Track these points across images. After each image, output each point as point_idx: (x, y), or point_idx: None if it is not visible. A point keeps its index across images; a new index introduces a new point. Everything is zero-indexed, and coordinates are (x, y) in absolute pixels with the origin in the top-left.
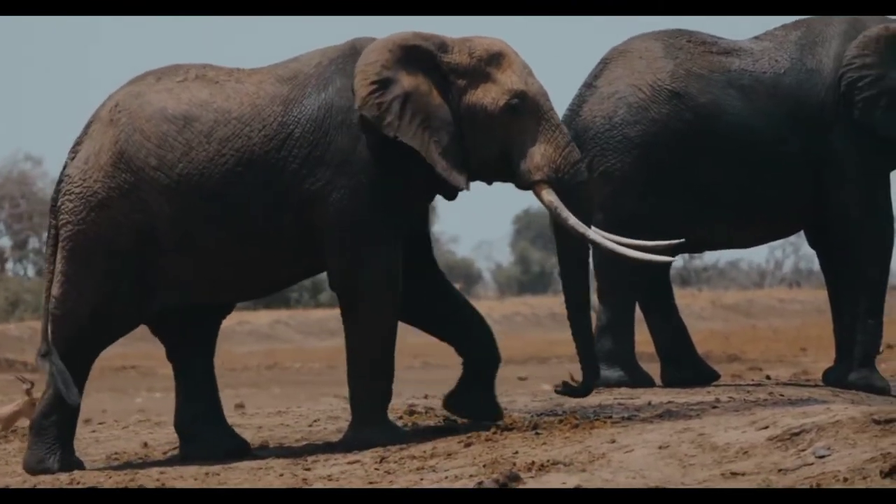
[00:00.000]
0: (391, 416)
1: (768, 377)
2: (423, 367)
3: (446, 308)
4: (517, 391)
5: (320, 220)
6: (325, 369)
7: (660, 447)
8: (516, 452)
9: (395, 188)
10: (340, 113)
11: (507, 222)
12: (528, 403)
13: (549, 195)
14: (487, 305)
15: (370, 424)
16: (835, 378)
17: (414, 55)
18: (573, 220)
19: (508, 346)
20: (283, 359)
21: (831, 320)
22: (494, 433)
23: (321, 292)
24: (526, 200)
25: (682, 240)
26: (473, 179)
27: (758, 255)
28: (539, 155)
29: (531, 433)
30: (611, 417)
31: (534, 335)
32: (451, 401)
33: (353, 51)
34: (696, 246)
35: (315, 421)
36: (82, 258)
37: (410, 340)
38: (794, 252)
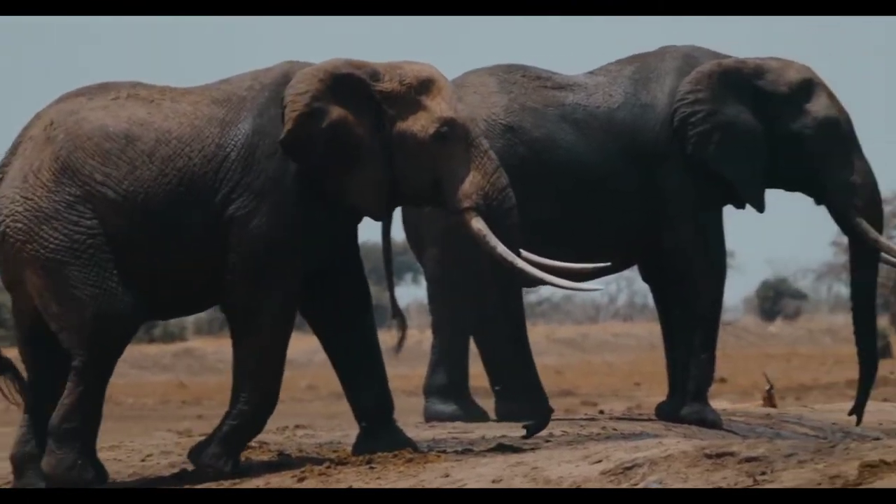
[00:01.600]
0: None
1: (602, 411)
2: None
3: (356, 349)
4: (353, 425)
5: (235, 244)
6: (158, 404)
7: (493, 481)
8: (350, 487)
9: (316, 219)
10: (273, 143)
11: None
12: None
13: (478, 223)
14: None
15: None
16: (667, 412)
17: (345, 84)
18: (501, 249)
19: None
20: (116, 393)
21: (664, 355)
22: (328, 468)
23: (155, 327)
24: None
25: (609, 263)
26: (408, 205)
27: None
28: (468, 182)
29: (365, 467)
30: (444, 451)
31: None
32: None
33: (285, 79)
34: (533, 280)
35: (148, 456)
36: (58, 269)
37: None
38: (628, 286)
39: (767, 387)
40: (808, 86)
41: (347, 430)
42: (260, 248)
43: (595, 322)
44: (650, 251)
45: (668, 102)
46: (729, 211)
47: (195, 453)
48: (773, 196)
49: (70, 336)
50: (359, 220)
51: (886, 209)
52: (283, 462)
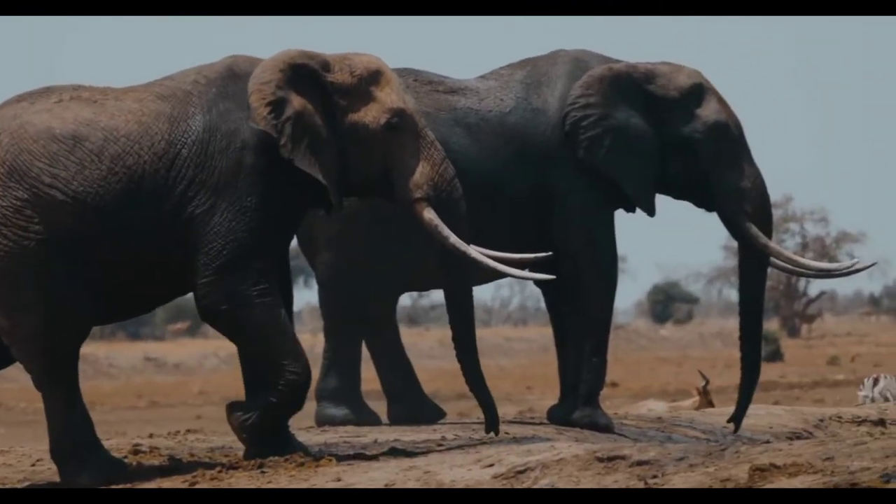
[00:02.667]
0: (116, 454)
1: None
2: (149, 407)
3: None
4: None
5: (200, 243)
6: None
7: (385, 485)
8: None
9: (275, 211)
10: (224, 137)
11: None
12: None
13: (429, 213)
14: (216, 344)
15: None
16: (559, 416)
17: (302, 74)
18: (453, 239)
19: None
20: (7, 398)
21: (557, 358)
22: (220, 472)
23: None
24: None
25: (550, 253)
26: (357, 195)
27: (484, 293)
28: (418, 173)
29: (257, 472)
30: (336, 455)
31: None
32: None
33: (230, 72)
34: (424, 284)
35: (38, 461)
36: (6, 278)
37: (136, 380)
38: (521, 290)
39: (703, 383)
40: (699, 91)
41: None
42: (227, 244)
43: (487, 326)
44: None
45: (560, 107)
46: (620, 215)
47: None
48: (663, 200)
49: (20, 349)
50: (306, 212)
51: (776, 213)
52: (174, 467)
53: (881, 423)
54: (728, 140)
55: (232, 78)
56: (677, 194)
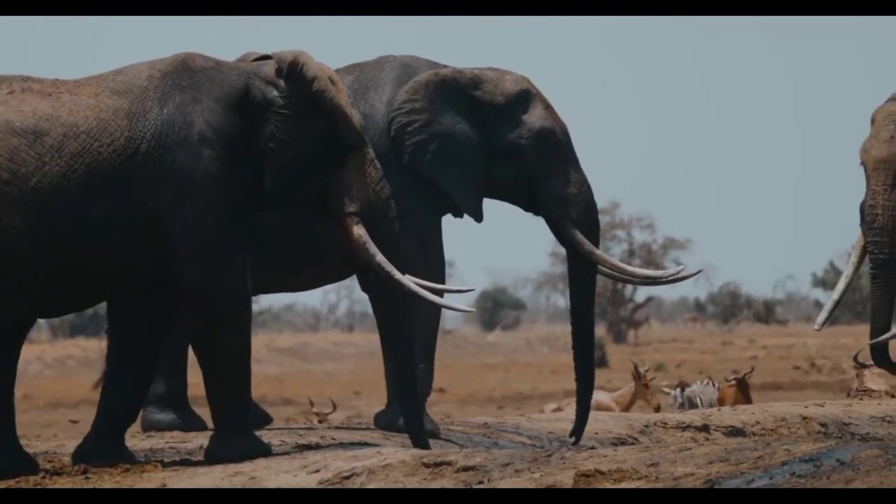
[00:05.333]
0: None
1: (321, 421)
2: None
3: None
4: (69, 434)
5: (172, 239)
6: None
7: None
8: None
9: (237, 201)
10: (182, 130)
11: None
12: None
13: (359, 230)
14: (39, 348)
15: (236, 435)
16: (386, 421)
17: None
18: (380, 258)
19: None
20: None
21: (384, 364)
22: (44, 478)
23: None
24: None
25: (473, 288)
26: (297, 204)
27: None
28: (354, 188)
29: (81, 477)
30: (162, 461)
31: (86, 378)
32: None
33: (185, 66)
34: (253, 290)
35: None
36: None
37: None
38: (348, 295)
39: (645, 369)
40: (525, 96)
41: (63, 440)
42: (196, 237)
43: (315, 331)
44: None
45: (387, 112)
46: (448, 220)
47: None
48: (492, 205)
49: None
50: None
51: (603, 220)
52: None
53: (705, 429)
54: (554, 146)
55: (187, 71)
56: (504, 199)
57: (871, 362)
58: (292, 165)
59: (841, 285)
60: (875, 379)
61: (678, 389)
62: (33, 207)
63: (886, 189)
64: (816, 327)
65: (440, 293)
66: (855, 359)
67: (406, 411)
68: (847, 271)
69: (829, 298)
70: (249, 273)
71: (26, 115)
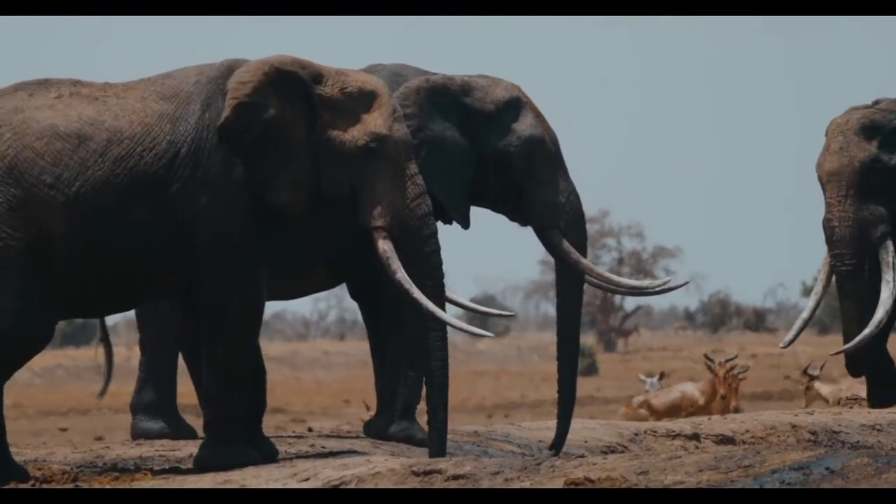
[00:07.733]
0: None
1: (310, 429)
2: None
3: None
4: (57, 442)
5: (196, 242)
6: None
7: None
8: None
9: (266, 212)
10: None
11: None
12: (67, 455)
13: (384, 244)
14: None
15: (226, 443)
16: (375, 430)
17: (287, 81)
18: (400, 275)
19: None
20: None
21: (374, 372)
22: (34, 485)
23: None
24: None
25: (514, 314)
26: (328, 209)
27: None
28: (386, 202)
29: (70, 486)
30: (152, 469)
31: (76, 388)
32: None
33: (230, 72)
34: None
35: None
36: None
37: None
38: (338, 304)
39: (815, 372)
40: (515, 104)
41: (52, 449)
42: (218, 243)
43: (305, 339)
44: (353, 267)
45: None
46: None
47: None
48: (480, 213)
49: None
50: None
51: (593, 228)
52: None
53: (695, 437)
54: (543, 154)
55: (231, 77)
56: (492, 207)
57: (819, 373)
58: (322, 171)
59: (811, 303)
60: (825, 388)
61: (655, 378)
62: (77, 212)
63: (840, 200)
64: (783, 345)
65: (465, 318)
66: (805, 371)
67: (433, 422)
68: (816, 288)
69: (798, 318)
70: (266, 286)
71: (71, 119)
